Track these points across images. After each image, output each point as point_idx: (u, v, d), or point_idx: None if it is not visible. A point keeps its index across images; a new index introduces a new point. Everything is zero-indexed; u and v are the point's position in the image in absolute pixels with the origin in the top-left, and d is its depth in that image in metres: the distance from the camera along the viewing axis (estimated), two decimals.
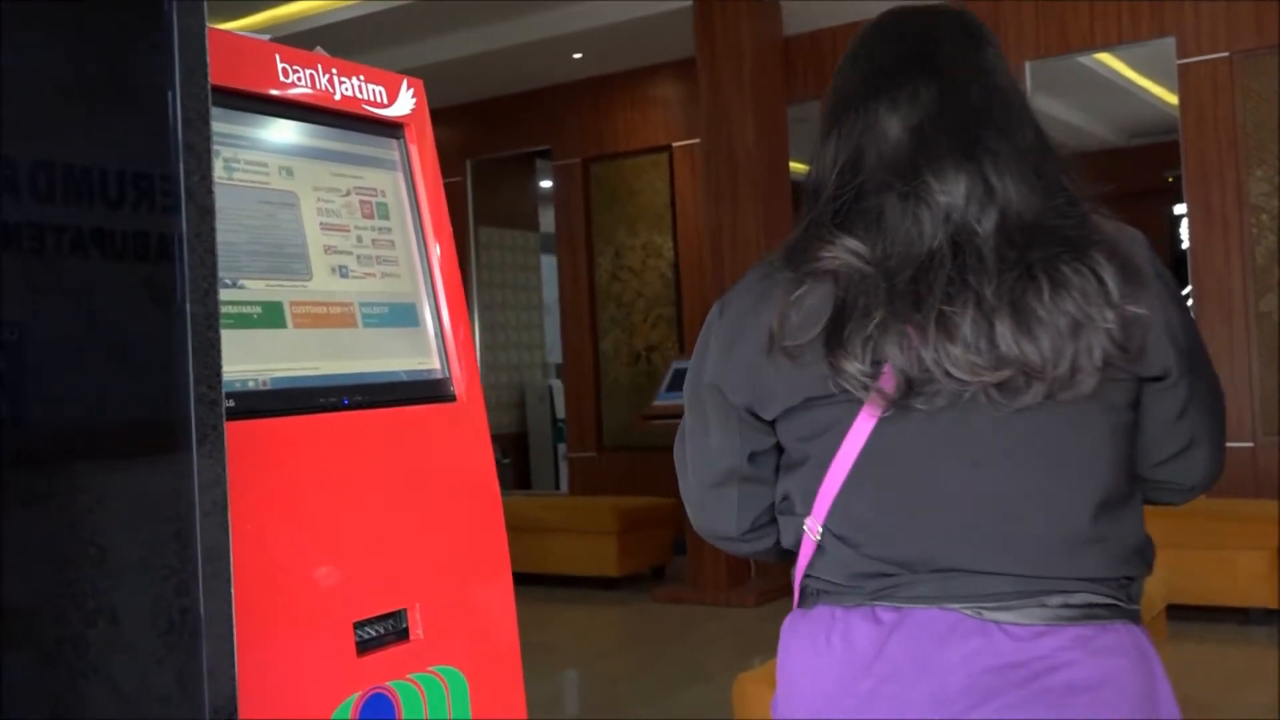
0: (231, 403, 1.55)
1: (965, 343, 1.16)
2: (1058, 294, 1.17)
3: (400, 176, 1.95)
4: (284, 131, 1.78)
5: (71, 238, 1.08)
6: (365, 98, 1.88)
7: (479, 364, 9.11)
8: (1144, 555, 1.30)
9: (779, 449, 1.38)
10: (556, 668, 5.80)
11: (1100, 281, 1.18)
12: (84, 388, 1.10)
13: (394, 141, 1.95)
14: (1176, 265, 7.63)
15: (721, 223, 7.55)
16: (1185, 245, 7.32)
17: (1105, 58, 8.15)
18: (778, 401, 1.32)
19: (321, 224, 1.80)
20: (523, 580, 6.91)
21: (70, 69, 1.10)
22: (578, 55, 8.72)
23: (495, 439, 7.78)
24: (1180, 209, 7.51)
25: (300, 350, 1.72)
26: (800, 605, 1.36)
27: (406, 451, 1.82)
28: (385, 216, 1.91)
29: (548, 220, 10.62)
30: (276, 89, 1.75)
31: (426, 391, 1.89)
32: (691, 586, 7.15)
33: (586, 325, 9.40)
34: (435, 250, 1.94)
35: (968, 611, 1.22)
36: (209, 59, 1.20)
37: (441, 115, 9.84)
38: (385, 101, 1.92)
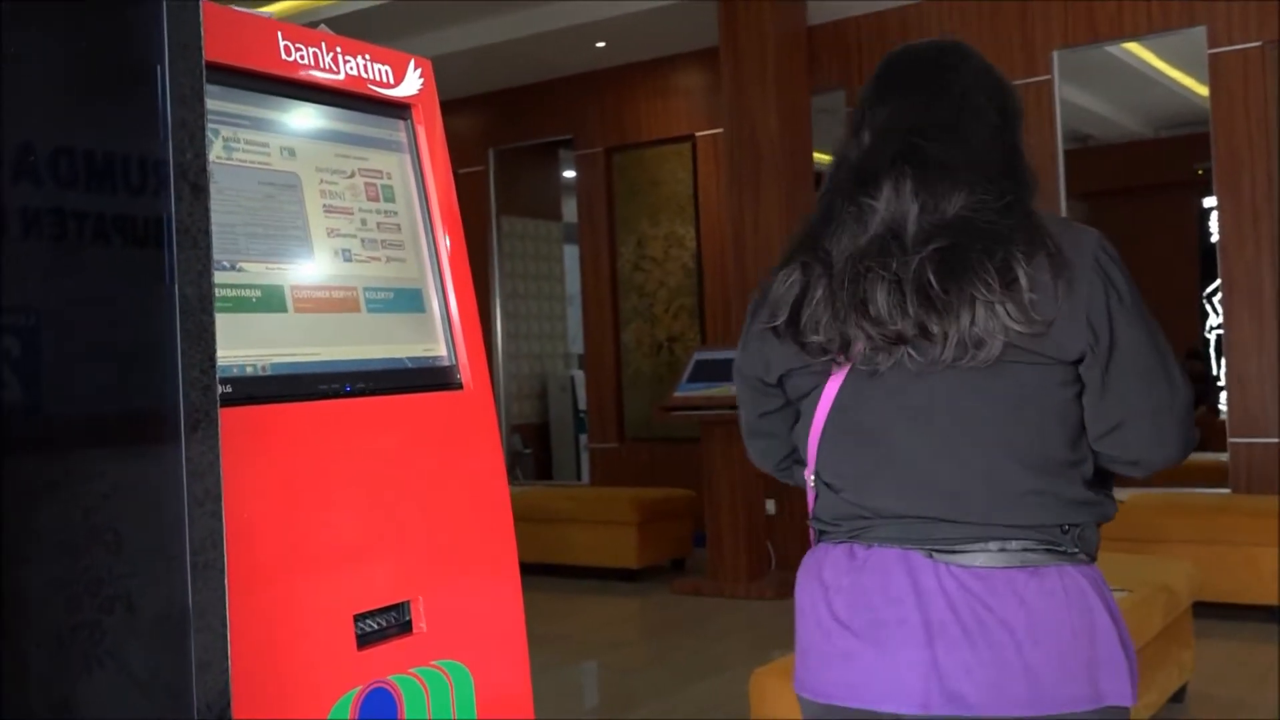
0: (229, 388, 1.51)
1: (877, 315, 1.42)
2: (960, 277, 1.39)
3: (407, 159, 1.90)
4: (286, 111, 1.74)
5: (60, 219, 1.04)
6: (371, 77, 1.83)
7: (500, 354, 9.15)
8: (1090, 508, 1.49)
9: (791, 407, 1.65)
10: (574, 658, 5.77)
11: (1005, 269, 1.40)
12: (70, 372, 1.07)
13: (400, 123, 1.91)
14: (1205, 258, 7.53)
15: (744, 212, 7.49)
16: (1215, 238, 7.21)
17: (1134, 47, 8.03)
18: (774, 369, 1.61)
19: (324, 206, 1.75)
20: (543, 571, 6.93)
21: (60, 45, 1.06)
22: (601, 44, 8.67)
23: (517, 429, 7.78)
24: (1209, 201, 7.40)
25: (301, 335, 1.68)
26: (813, 543, 1.64)
27: (411, 440, 1.78)
28: (391, 199, 1.86)
29: (570, 210, 10.57)
30: (278, 67, 1.70)
31: (432, 379, 1.84)
32: (711, 579, 7.10)
33: (608, 315, 9.35)
34: (443, 234, 1.90)
35: (921, 552, 1.46)
36: (206, 35, 1.16)
37: (464, 104, 9.84)
38: (391, 81, 1.87)
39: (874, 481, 1.51)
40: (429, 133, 1.92)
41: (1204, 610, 5.46)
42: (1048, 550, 1.45)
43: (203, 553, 1.22)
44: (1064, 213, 7.48)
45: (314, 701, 1.55)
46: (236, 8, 1.65)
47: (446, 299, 1.89)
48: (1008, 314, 1.39)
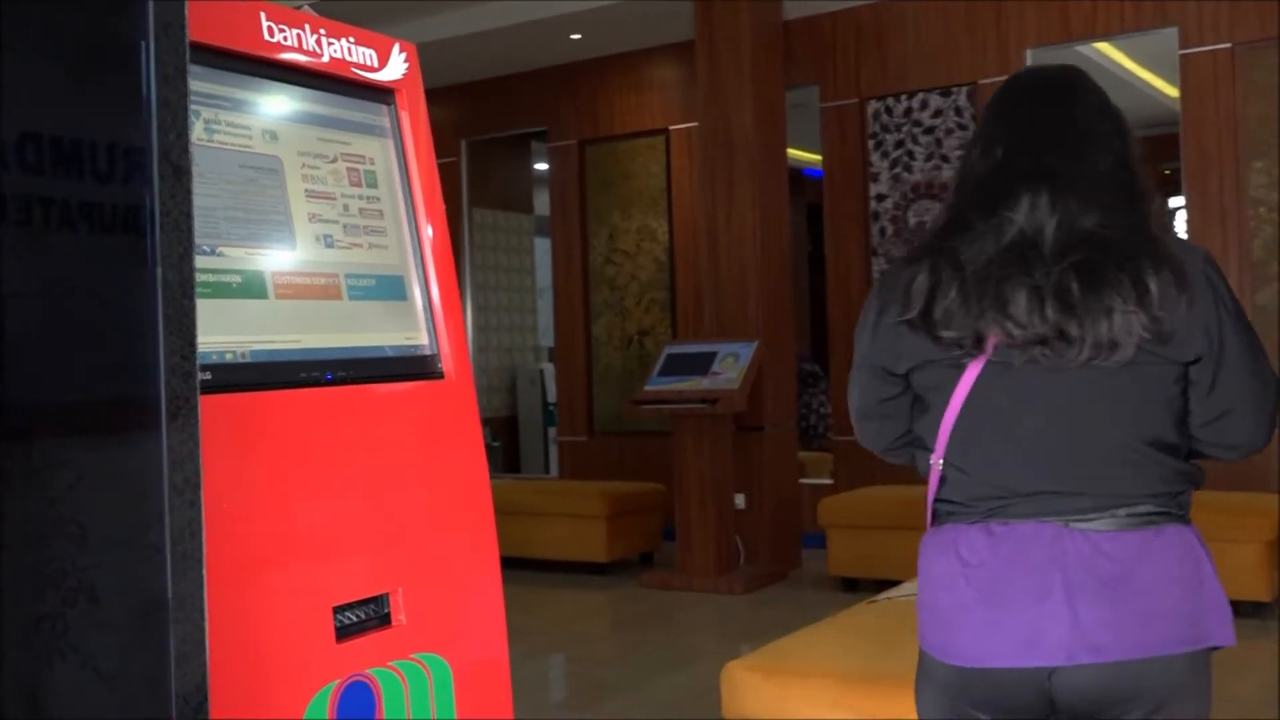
0: (208, 376, 1.48)
1: (1020, 314, 1.58)
2: (1096, 287, 1.57)
3: (390, 144, 1.87)
4: (268, 93, 1.71)
5: (39, 200, 1.01)
6: (355, 60, 1.80)
7: (470, 346, 9.10)
8: (1191, 477, 1.71)
9: (910, 393, 1.79)
10: (542, 652, 5.74)
11: (1139, 283, 1.58)
12: (50, 358, 1.04)
13: (384, 107, 1.88)
14: None
15: (717, 207, 7.49)
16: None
17: (1105, 48, 8.07)
18: (904, 362, 1.74)
19: (306, 191, 1.72)
20: (511, 564, 6.87)
21: (42, 22, 1.03)
22: (576, 36, 8.63)
23: (485, 422, 7.71)
24: (1176, 201, 7.45)
25: (282, 322, 1.64)
26: (932, 524, 1.78)
27: (392, 430, 1.75)
28: (374, 185, 1.83)
29: (542, 202, 10.53)
30: (261, 49, 1.67)
31: (414, 368, 1.81)
32: (680, 572, 7.10)
33: (579, 308, 9.32)
34: (425, 222, 1.87)
35: (1059, 523, 1.64)
36: (189, 14, 1.14)
37: (437, 95, 9.79)
38: (376, 65, 1.84)
39: (1007, 464, 1.67)
40: (413, 118, 1.89)
41: None
42: (1163, 512, 1.66)
43: (181, 543, 1.19)
44: None
45: (292, 695, 1.53)
46: None
47: (428, 287, 1.86)
48: (1140, 323, 1.58)
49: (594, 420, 9.29)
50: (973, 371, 1.66)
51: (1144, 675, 1.62)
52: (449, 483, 1.83)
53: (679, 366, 7.24)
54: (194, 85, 1.53)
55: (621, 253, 9.15)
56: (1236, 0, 6.94)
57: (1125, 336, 1.58)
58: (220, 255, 1.60)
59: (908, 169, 7.98)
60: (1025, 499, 1.66)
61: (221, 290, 1.58)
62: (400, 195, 1.87)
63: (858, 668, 3.23)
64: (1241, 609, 5.75)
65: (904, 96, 7.99)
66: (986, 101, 1.86)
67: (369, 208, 1.82)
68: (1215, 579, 1.68)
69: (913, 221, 7.96)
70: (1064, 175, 1.65)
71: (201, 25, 1.51)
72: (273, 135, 1.70)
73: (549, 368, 10.98)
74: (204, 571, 1.18)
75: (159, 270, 1.14)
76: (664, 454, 8.58)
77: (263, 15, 1.67)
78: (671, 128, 8.91)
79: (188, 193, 1.15)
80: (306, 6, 1.77)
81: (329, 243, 1.75)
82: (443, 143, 9.59)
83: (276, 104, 1.73)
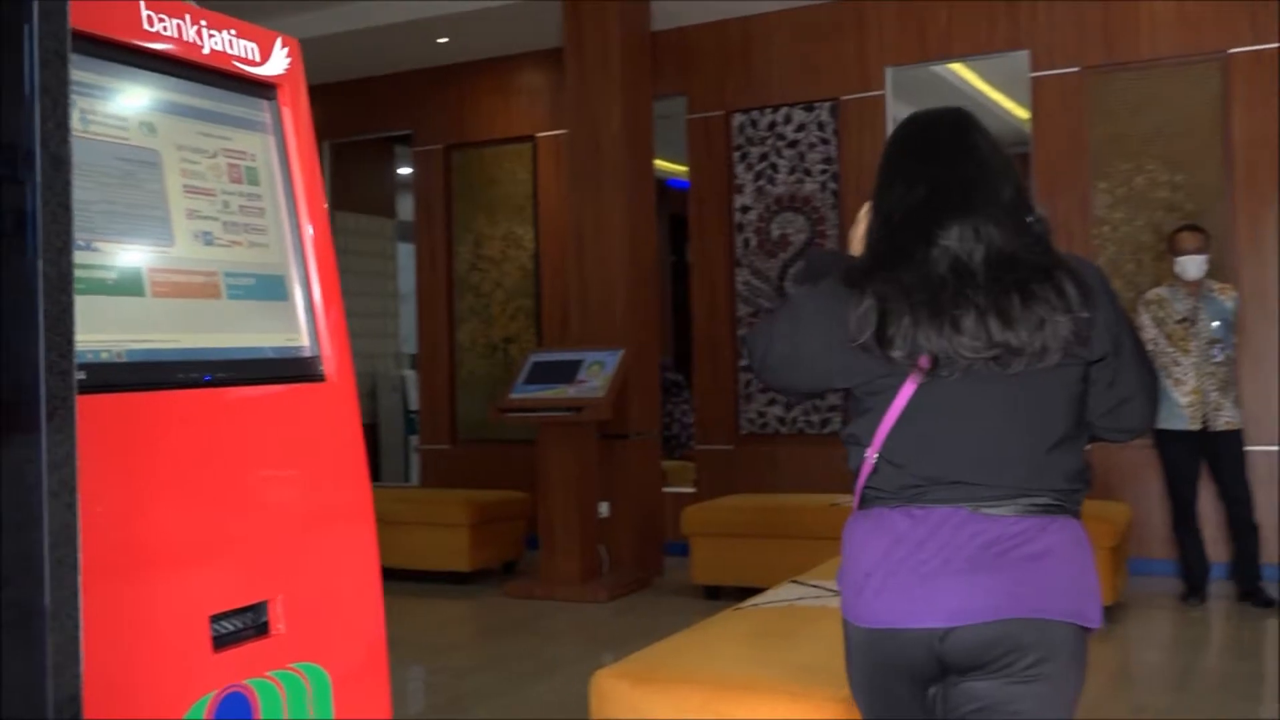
0: (83, 375, 1.42)
1: (969, 334, 1.80)
2: (1029, 302, 1.80)
3: (271, 140, 1.82)
4: (147, 84, 1.64)
5: None
6: (236, 54, 1.75)
7: None
8: (1083, 476, 1.95)
9: (847, 395, 2.01)
10: (403, 662, 5.65)
11: (1061, 294, 1.82)
12: None
13: (265, 103, 1.82)
14: None
15: (585, 215, 7.50)
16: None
17: (960, 69, 8.35)
18: (853, 379, 1.95)
19: (185, 186, 1.66)
20: None
21: None
22: (443, 40, 8.56)
23: None
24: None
25: (159, 321, 1.58)
26: (860, 508, 2.00)
27: (271, 433, 1.70)
28: (255, 182, 1.78)
29: (405, 207, 10.41)
30: (140, 38, 1.61)
31: (294, 370, 1.76)
32: (544, 581, 7.07)
33: (443, 315, 9.23)
34: (307, 221, 1.82)
35: (969, 508, 1.87)
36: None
37: None
38: (258, 59, 1.79)
39: (932, 459, 1.90)
40: (295, 115, 1.84)
41: None
42: (1059, 506, 1.90)
43: (58, 548, 1.14)
44: None
45: (168, 706, 1.47)
46: None
47: (310, 288, 1.81)
48: (1067, 328, 1.82)
49: (457, 428, 9.20)
50: (911, 383, 1.89)
51: (1028, 632, 1.84)
52: (330, 488, 1.78)
53: (545, 374, 7.22)
54: (72, 73, 1.47)
55: (487, 259, 9.09)
56: (1084, 26, 7.24)
57: (1054, 342, 1.81)
58: (95, 250, 1.53)
59: (771, 181, 8.11)
60: (943, 487, 1.89)
61: (96, 287, 1.51)
62: (281, 193, 1.82)
63: (727, 674, 3.25)
64: None
65: (768, 110, 8.12)
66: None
67: (249, 205, 1.77)
68: (1094, 570, 1.94)
69: (776, 233, 8.09)
70: (983, 206, 1.87)
71: (79, 11, 1.45)
72: (150, 128, 1.64)
73: (411, 375, 10.84)
74: (79, 578, 1.14)
75: (39, 264, 1.09)
76: (528, 462, 8.54)
77: (142, 3, 1.60)
78: (539, 134, 8.90)
79: (67, 184, 1.10)
80: None
81: (208, 240, 1.70)
82: None
83: (155, 95, 1.66)
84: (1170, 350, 6.28)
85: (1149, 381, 2.00)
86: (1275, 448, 6.78)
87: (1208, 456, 6.32)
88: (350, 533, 1.80)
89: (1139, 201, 7.14)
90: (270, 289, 1.78)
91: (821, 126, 7.96)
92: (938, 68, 8.02)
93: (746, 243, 8.18)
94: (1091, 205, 7.24)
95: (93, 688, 1.19)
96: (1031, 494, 1.88)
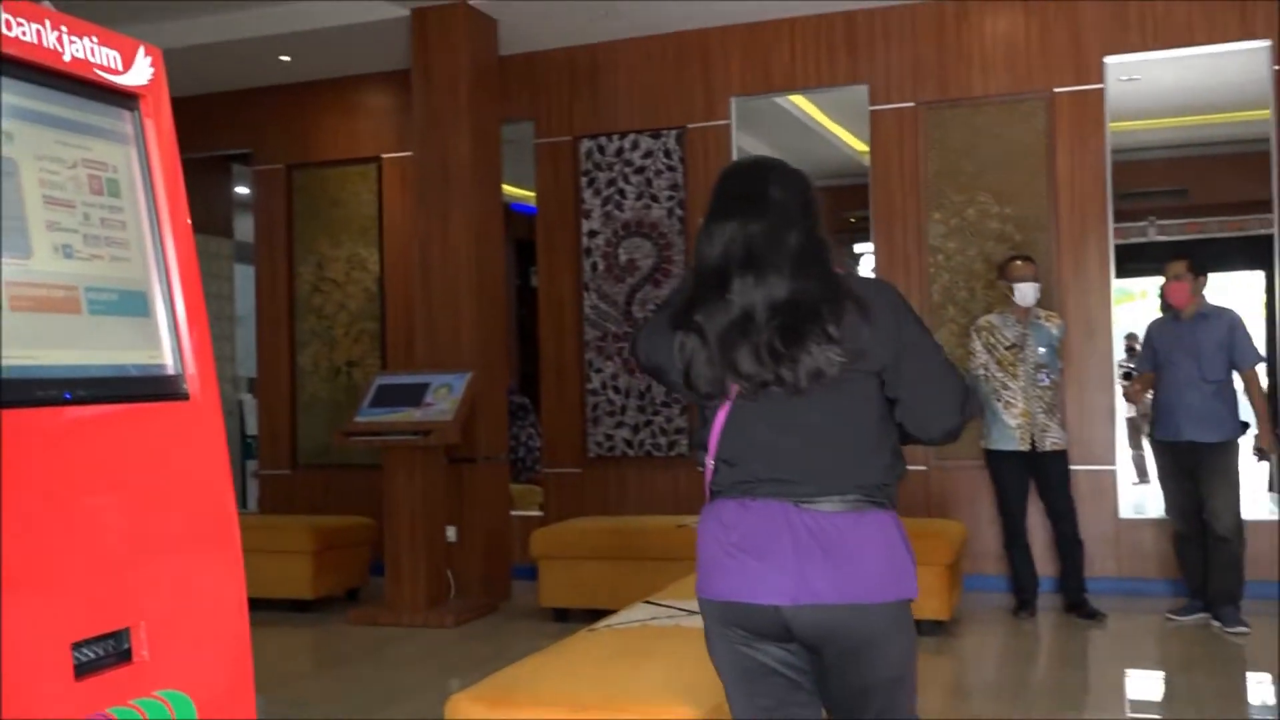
0: None
1: (747, 370, 2.17)
2: (794, 341, 2.14)
3: (133, 152, 1.76)
4: (4, 90, 1.57)
5: None
6: (98, 62, 1.69)
7: None
8: (893, 471, 2.28)
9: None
10: None
11: (823, 331, 2.14)
12: None
13: (128, 113, 1.77)
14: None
15: (432, 238, 7.43)
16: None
17: (801, 100, 8.57)
18: (692, 396, 2.31)
19: (44, 197, 1.60)
20: None
21: None
22: (286, 58, 8.39)
23: None
24: (866, 247, 7.96)
25: (16, 336, 1.51)
26: (709, 500, 2.34)
27: (133, 453, 1.64)
28: (116, 194, 1.72)
29: (243, 228, 10.14)
30: None
31: (157, 388, 1.71)
32: (389, 608, 6.95)
33: (284, 338, 9.02)
34: (170, 235, 1.77)
35: (790, 503, 2.20)
36: None
37: None
38: (120, 68, 1.73)
39: (756, 460, 2.24)
40: (158, 126, 1.79)
41: None
42: (869, 500, 2.22)
43: None
44: None
45: None
46: None
47: (173, 304, 1.76)
48: (834, 353, 2.14)
49: (298, 453, 8.99)
50: (727, 404, 2.26)
51: (851, 618, 2.18)
52: (194, 510, 1.73)
53: (390, 398, 7.12)
54: None
55: (330, 281, 8.92)
56: (920, 64, 7.52)
57: (827, 365, 2.14)
58: None
59: (619, 207, 8.18)
60: (767, 483, 2.23)
61: None
62: (144, 206, 1.76)
63: (583, 695, 3.26)
64: (923, 628, 6.16)
65: (616, 136, 8.20)
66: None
67: (111, 218, 1.71)
68: (906, 547, 2.26)
69: (623, 258, 8.16)
70: (766, 258, 2.18)
71: None
72: (8, 136, 1.57)
73: (248, 399, 10.56)
74: None
75: None
76: (372, 487, 8.40)
77: None
78: (385, 156, 8.79)
79: None
80: (46, 1, 1.65)
81: (68, 253, 1.63)
82: None
83: (12, 103, 1.59)
84: (1000, 375, 6.55)
85: (937, 391, 2.30)
86: (1096, 467, 7.11)
87: (1036, 476, 6.60)
88: (215, 556, 1.75)
89: (971, 232, 7.43)
90: (132, 304, 1.72)
91: (668, 154, 8.07)
92: (781, 99, 8.22)
93: (594, 267, 8.23)
94: (927, 235, 7.50)
95: None
96: (844, 491, 2.20)
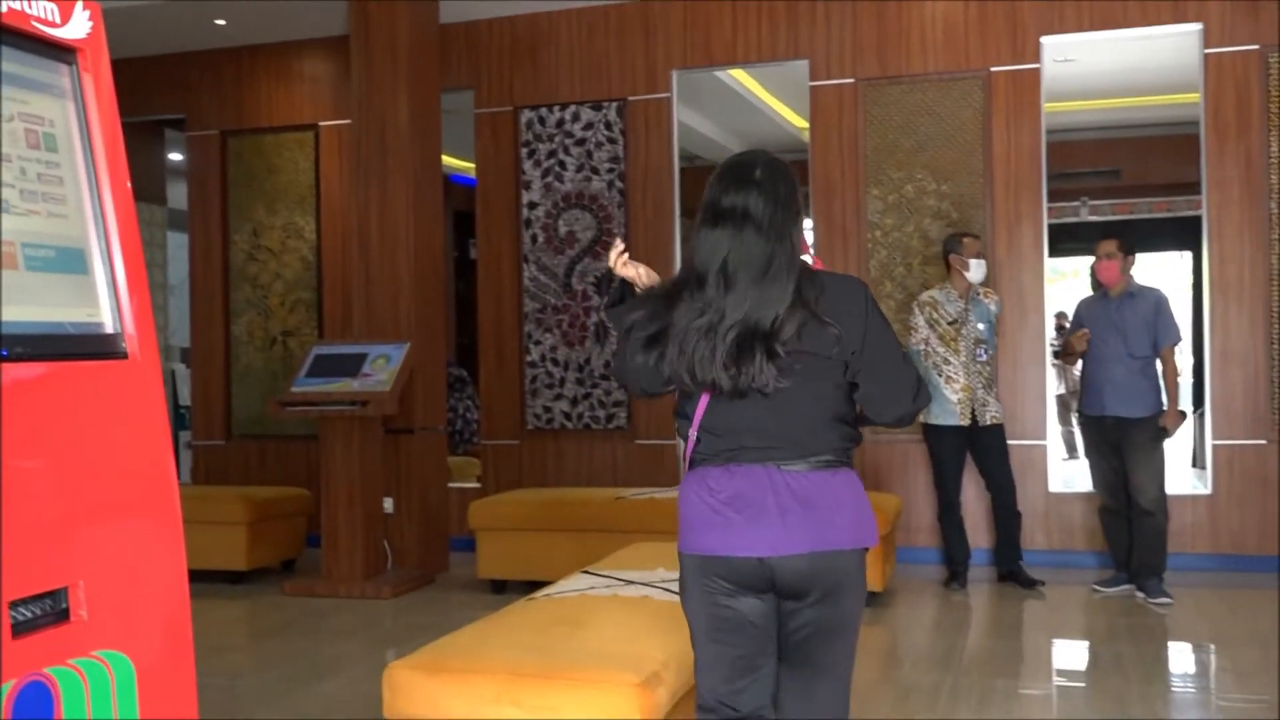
0: None
1: (702, 374, 2.44)
2: (741, 356, 2.40)
3: (71, 106, 1.73)
4: None
5: None
6: (35, 14, 1.66)
7: None
8: (853, 438, 2.57)
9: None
10: None
11: (769, 349, 2.39)
12: None
13: (66, 67, 1.74)
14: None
15: (370, 206, 7.37)
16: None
17: (742, 75, 8.58)
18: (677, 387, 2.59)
19: None
20: None
21: None
22: (221, 22, 8.26)
23: None
24: (806, 223, 7.99)
25: None
26: (690, 469, 2.59)
27: (71, 411, 1.62)
28: (53, 149, 1.69)
29: (176, 194, 9.98)
30: None
31: (94, 346, 1.68)
32: (325, 579, 6.92)
33: (219, 307, 8.90)
34: (109, 193, 1.74)
35: (773, 466, 2.48)
36: None
37: None
38: (57, 21, 1.70)
39: (741, 430, 2.51)
40: (97, 81, 1.76)
41: None
42: (838, 460, 2.53)
43: None
44: (676, 227, 7.88)
45: None
46: None
47: (112, 263, 1.73)
48: (771, 371, 2.40)
49: (232, 423, 8.89)
50: (707, 392, 2.51)
51: (827, 562, 2.47)
52: (133, 469, 1.71)
53: (327, 368, 7.06)
54: None
55: (266, 250, 8.82)
56: (860, 40, 7.56)
57: (762, 383, 2.40)
58: None
59: (559, 179, 8.16)
60: (752, 450, 2.50)
61: None
62: (82, 162, 1.73)
63: (521, 663, 3.27)
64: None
65: (557, 108, 8.17)
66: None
67: (48, 173, 1.68)
68: (867, 504, 2.56)
69: (563, 230, 8.14)
70: (739, 270, 2.41)
71: None
72: None
73: (181, 368, 10.42)
74: None
75: None
76: (309, 458, 8.35)
77: None
78: (322, 123, 8.69)
79: None
80: None
81: (5, 208, 1.60)
82: None
83: None
84: (942, 350, 6.64)
85: (896, 379, 2.57)
86: (1028, 443, 7.23)
87: (974, 449, 6.71)
88: (154, 517, 1.73)
89: (909, 208, 7.50)
90: (70, 262, 1.70)
91: (609, 126, 8.06)
92: (722, 74, 8.23)
93: (534, 239, 8.20)
94: (865, 211, 7.56)
95: None
96: (818, 454, 2.50)
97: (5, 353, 1.54)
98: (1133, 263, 6.40)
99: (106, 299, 1.73)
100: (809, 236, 7.83)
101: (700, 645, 2.61)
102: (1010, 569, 6.73)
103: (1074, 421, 6.98)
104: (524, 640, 3.48)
